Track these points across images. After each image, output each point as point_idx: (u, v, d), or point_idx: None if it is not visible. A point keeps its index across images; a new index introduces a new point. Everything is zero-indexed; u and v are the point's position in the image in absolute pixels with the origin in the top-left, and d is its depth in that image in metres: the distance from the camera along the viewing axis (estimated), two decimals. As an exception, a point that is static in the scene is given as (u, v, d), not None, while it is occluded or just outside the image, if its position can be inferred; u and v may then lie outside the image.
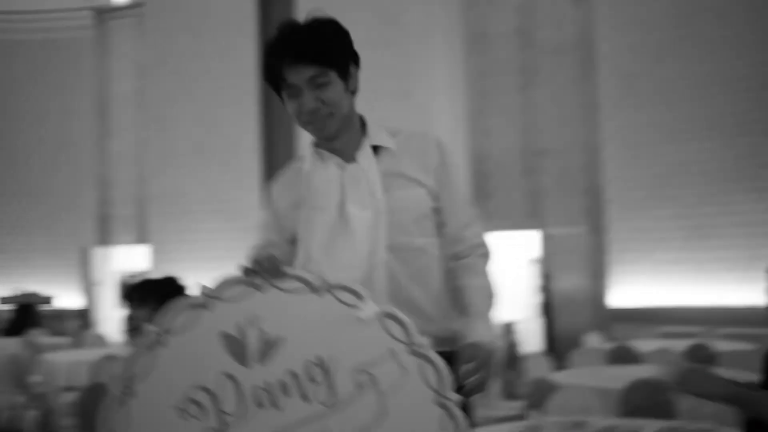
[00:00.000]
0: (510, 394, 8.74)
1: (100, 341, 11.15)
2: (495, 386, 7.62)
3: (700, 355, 8.62)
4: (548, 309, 12.68)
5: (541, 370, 7.35)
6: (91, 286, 15.62)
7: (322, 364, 1.85)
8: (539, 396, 6.03)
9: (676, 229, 11.78)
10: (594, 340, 10.13)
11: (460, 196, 2.21)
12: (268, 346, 1.87)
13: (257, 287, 1.92)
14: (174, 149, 14.51)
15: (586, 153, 13.02)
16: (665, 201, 11.92)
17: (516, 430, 4.23)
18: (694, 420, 4.34)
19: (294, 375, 1.86)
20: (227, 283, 1.94)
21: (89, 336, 12.03)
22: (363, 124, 2.19)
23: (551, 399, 5.24)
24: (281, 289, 1.91)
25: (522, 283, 13.33)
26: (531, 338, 12.67)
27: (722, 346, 8.95)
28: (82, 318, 15.44)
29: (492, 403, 6.85)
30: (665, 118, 12.02)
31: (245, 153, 14.11)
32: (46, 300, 14.65)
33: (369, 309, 1.86)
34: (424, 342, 1.86)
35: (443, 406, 1.83)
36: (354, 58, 2.14)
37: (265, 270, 1.88)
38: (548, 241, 12.99)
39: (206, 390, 1.87)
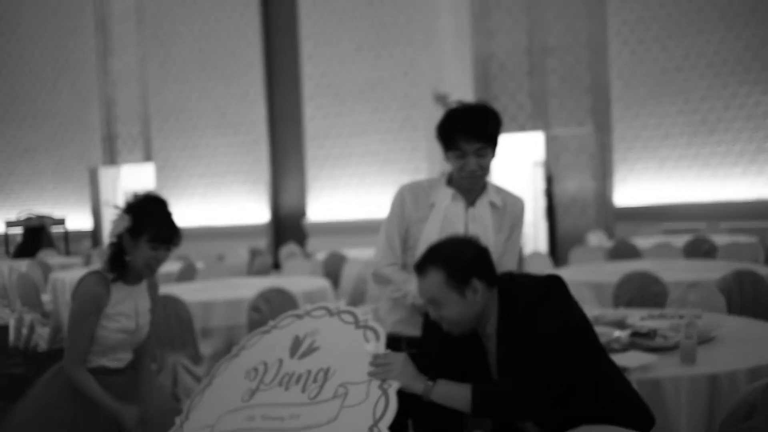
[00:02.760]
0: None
1: (109, 259, 11.24)
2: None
3: (701, 249, 8.65)
4: (551, 211, 12.65)
5: (540, 268, 7.40)
6: (100, 206, 15.72)
7: (326, 373, 2.59)
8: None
9: (683, 125, 11.64)
10: (596, 239, 10.13)
11: (516, 248, 3.15)
12: (309, 350, 2.69)
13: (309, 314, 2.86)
14: (175, 65, 14.38)
15: (591, 50, 12.76)
16: (671, 97, 11.74)
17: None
18: (681, 307, 4.38)
19: (309, 372, 2.63)
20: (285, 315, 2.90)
21: (98, 254, 12.17)
22: (485, 183, 3.07)
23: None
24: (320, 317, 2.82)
25: (526, 185, 13.27)
26: (536, 240, 12.72)
27: (722, 239, 8.96)
28: (92, 237, 15.61)
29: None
30: (672, 12, 11.75)
31: (248, 66, 13.97)
32: (59, 222, 14.79)
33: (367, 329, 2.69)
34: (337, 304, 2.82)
35: (359, 326, 2.67)
36: (498, 138, 2.99)
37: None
38: (553, 142, 12.86)
39: (264, 364, 2.74)
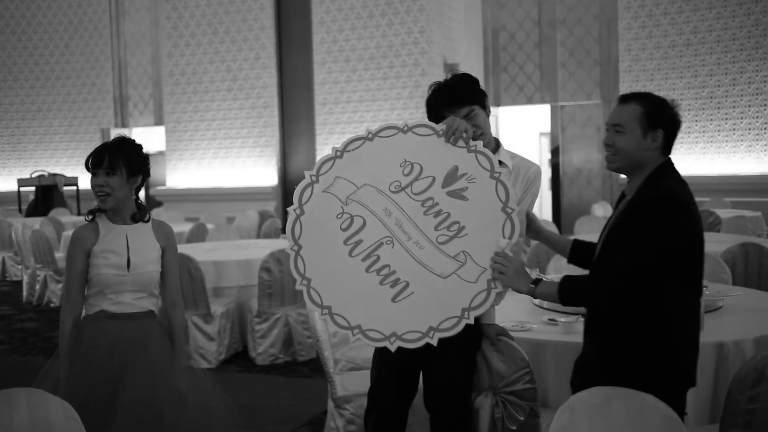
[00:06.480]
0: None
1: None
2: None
3: (706, 221, 8.76)
4: (557, 182, 12.76)
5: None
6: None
7: (460, 230, 2.78)
8: (540, 258, 6.27)
9: (690, 99, 11.68)
10: (601, 210, 10.25)
11: (523, 215, 3.15)
12: (459, 195, 2.81)
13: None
14: (188, 29, 14.44)
15: (601, 23, 12.79)
16: (680, 71, 11.77)
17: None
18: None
19: (448, 216, 2.78)
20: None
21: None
22: (498, 143, 3.14)
23: (551, 261, 5.46)
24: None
25: (532, 155, 13.38)
26: (541, 210, 12.85)
27: (727, 213, 9.06)
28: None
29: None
30: (683, -15, 11.74)
31: (260, 31, 14.01)
32: (71, 181, 14.89)
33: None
34: (501, 170, 2.82)
35: (506, 213, 2.77)
36: (485, 95, 3.08)
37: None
38: (560, 114, 12.94)
39: (421, 167, 2.84)
